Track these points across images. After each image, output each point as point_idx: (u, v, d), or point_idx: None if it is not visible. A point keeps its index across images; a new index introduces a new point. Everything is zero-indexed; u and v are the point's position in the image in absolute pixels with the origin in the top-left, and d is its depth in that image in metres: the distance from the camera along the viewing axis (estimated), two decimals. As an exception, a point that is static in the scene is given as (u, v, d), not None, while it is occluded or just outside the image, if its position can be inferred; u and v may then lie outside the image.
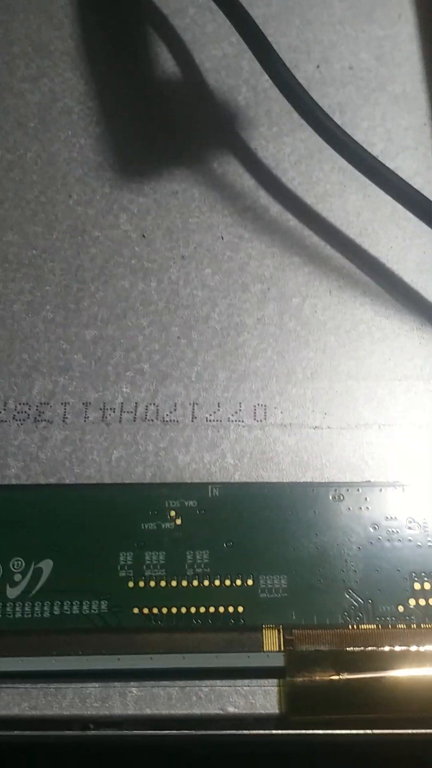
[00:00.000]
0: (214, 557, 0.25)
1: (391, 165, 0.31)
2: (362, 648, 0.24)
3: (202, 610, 0.25)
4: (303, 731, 0.24)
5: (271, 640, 0.25)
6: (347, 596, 0.25)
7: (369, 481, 0.27)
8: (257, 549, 0.26)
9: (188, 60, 0.34)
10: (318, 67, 0.34)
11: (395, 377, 0.29)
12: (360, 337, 0.29)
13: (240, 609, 0.25)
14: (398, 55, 0.35)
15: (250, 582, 0.25)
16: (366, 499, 0.26)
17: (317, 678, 0.24)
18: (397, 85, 0.34)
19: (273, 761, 0.25)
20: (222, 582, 0.25)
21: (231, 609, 0.25)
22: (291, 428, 0.28)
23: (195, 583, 0.25)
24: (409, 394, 0.28)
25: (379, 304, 0.30)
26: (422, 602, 0.25)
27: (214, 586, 0.25)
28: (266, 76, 0.31)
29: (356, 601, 0.25)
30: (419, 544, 0.25)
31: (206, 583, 0.25)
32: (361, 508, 0.26)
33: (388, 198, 0.30)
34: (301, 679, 0.24)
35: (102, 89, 0.33)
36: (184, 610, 0.25)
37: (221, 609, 0.25)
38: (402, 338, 0.29)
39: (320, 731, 0.24)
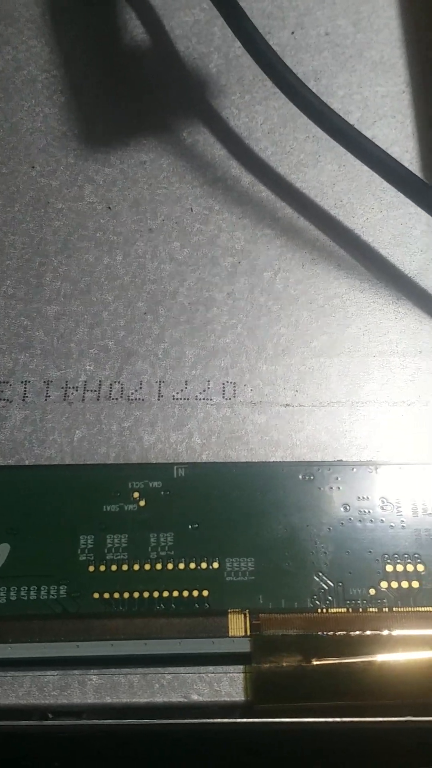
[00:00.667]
0: (178, 540, 0.24)
1: (368, 134, 0.30)
2: (332, 633, 0.23)
3: (166, 594, 0.24)
4: (269, 719, 0.23)
5: (237, 624, 0.24)
6: (316, 579, 0.24)
7: (341, 461, 0.26)
8: (224, 531, 0.24)
9: (158, 27, 0.33)
10: (293, 33, 0.33)
11: (370, 353, 0.28)
12: (334, 311, 0.28)
13: (205, 593, 0.24)
14: (376, 20, 0.34)
15: (215, 565, 0.24)
16: (337, 478, 0.25)
17: (284, 664, 0.23)
18: (374, 51, 0.33)
19: (239, 750, 0.24)
20: (186, 565, 0.24)
21: (195, 593, 0.24)
22: (261, 406, 0.27)
23: (158, 566, 0.24)
24: (383, 370, 0.27)
25: (353, 278, 0.29)
26: (394, 585, 0.24)
27: (179, 569, 0.24)
28: (238, 43, 0.29)
29: (326, 584, 0.24)
30: (392, 524, 0.24)
31: (170, 566, 0.24)
32: (332, 488, 0.25)
33: (365, 168, 0.29)
34: (267, 665, 0.23)
35: (68, 57, 0.32)
36: (146, 594, 0.24)
37: (185, 593, 0.24)
38: (377, 313, 0.28)
39: (287, 719, 0.23)
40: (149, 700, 0.23)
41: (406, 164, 0.29)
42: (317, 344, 0.28)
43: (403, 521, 0.25)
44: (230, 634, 0.24)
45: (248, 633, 0.24)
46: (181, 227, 0.30)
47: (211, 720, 0.23)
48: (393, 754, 0.23)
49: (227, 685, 0.23)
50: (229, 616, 0.24)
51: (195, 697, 0.23)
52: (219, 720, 0.23)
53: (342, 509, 0.25)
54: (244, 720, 0.23)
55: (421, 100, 0.32)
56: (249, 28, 0.29)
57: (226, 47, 0.33)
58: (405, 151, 0.31)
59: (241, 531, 0.25)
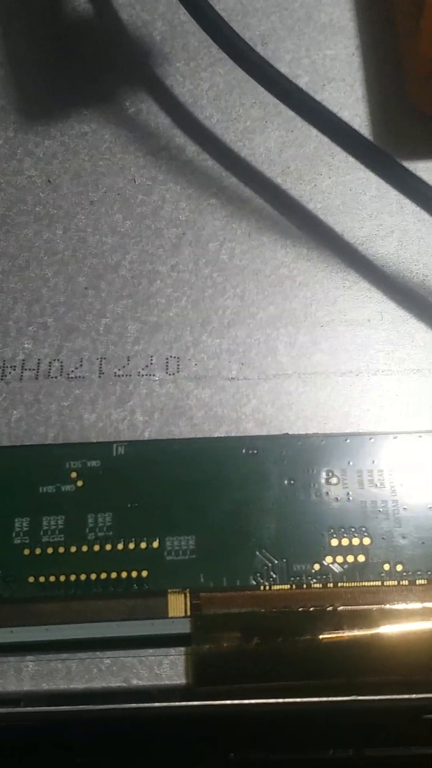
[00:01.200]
0: (117, 520, 0.24)
1: (317, 98, 0.29)
2: (274, 610, 0.22)
3: (104, 576, 0.23)
4: (211, 702, 0.22)
5: (177, 605, 0.23)
6: (259, 555, 0.23)
7: (286, 434, 0.25)
8: (164, 509, 0.24)
9: (100, -6, 0.32)
10: (239, -3, 0.32)
11: (318, 323, 0.27)
12: (281, 281, 0.27)
13: (144, 573, 0.23)
14: (325, -19, 0.32)
15: (155, 544, 0.23)
16: (282, 452, 0.24)
17: (225, 645, 0.22)
18: (323, 14, 0.32)
19: (181, 733, 0.23)
20: (125, 545, 0.23)
21: (134, 574, 0.23)
22: (205, 381, 0.26)
23: (96, 548, 0.23)
24: (332, 340, 0.26)
25: (301, 246, 0.28)
26: (339, 559, 0.23)
27: (117, 550, 0.23)
28: (183, 10, 0.28)
29: (269, 560, 0.23)
30: (337, 498, 0.24)
31: (108, 547, 0.23)
32: (276, 462, 0.24)
33: (313, 133, 0.28)
34: (207, 646, 0.22)
35: (4, 27, 0.31)
36: (83, 577, 0.23)
37: (124, 574, 0.23)
38: (325, 282, 0.28)
39: (230, 701, 0.22)
40: (87, 686, 0.23)
41: (356, 128, 0.28)
42: (264, 315, 0.27)
43: (349, 494, 0.24)
44: (170, 615, 0.23)
45: (188, 613, 0.23)
46: (124, 199, 0.29)
47: (150, 705, 0.22)
48: (337, 733, 0.23)
49: (168, 667, 0.23)
50: (169, 596, 0.23)
51: (135, 682, 0.23)
52: (159, 704, 0.22)
53: (286, 483, 0.24)
54: (186, 704, 0.22)
55: (372, 63, 0.31)
56: None
57: (170, 14, 0.32)
58: (355, 115, 0.30)
59: (182, 509, 0.24)
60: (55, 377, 0.26)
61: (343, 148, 0.27)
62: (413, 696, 0.22)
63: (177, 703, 0.22)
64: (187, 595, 0.23)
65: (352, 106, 0.30)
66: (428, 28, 0.26)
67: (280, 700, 0.22)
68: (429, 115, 0.29)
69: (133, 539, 0.24)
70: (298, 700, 0.22)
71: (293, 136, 0.30)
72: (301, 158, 0.30)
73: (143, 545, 0.23)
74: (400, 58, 0.30)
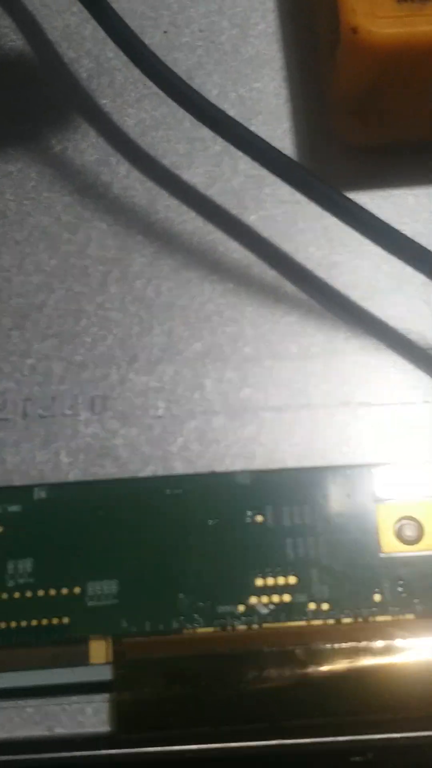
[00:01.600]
0: (38, 565, 0.23)
1: None
2: (198, 654, 0.22)
3: (24, 624, 0.23)
4: (135, 750, 0.21)
5: (98, 651, 0.22)
6: (183, 598, 0.22)
7: (213, 472, 0.24)
8: (86, 553, 0.23)
9: (27, 32, 0.32)
10: (165, 32, 0.32)
11: (245, 358, 0.26)
12: (208, 317, 0.27)
13: (66, 620, 0.23)
14: (252, 14, 0.32)
15: (77, 590, 0.23)
16: (206, 490, 0.24)
17: (148, 690, 0.21)
18: (250, 47, 0.32)
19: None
20: (46, 592, 0.23)
21: (56, 621, 0.23)
22: (132, 419, 0.26)
23: (16, 595, 0.23)
24: (259, 375, 0.26)
25: (228, 281, 0.28)
26: (265, 599, 0.22)
27: (38, 596, 0.23)
28: (110, 46, 0.28)
29: (193, 603, 0.22)
30: (263, 536, 0.23)
31: (29, 594, 0.23)
32: (201, 501, 0.24)
33: (240, 167, 0.28)
34: (129, 692, 0.21)
35: None
36: (4, 625, 0.22)
37: (45, 621, 0.23)
38: (252, 316, 0.27)
39: (154, 749, 0.21)
40: (9, 735, 0.22)
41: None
42: (191, 352, 0.27)
43: (274, 532, 0.23)
44: (91, 662, 0.22)
45: (109, 659, 0.22)
46: (50, 237, 0.28)
47: (74, 753, 0.21)
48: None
49: (92, 715, 0.22)
50: (90, 643, 0.22)
51: (59, 730, 0.22)
52: (82, 753, 0.22)
53: (211, 522, 0.23)
54: (107, 752, 0.21)
55: (299, 96, 0.31)
56: (121, 28, 0.27)
57: (97, 51, 0.32)
58: (282, 149, 0.30)
59: (104, 552, 0.23)
60: (-21, 421, 0.26)
61: (280, 177, 0.26)
62: (340, 738, 0.21)
63: (100, 752, 0.22)
64: (109, 641, 0.22)
65: (280, 139, 0.30)
66: (343, 61, 0.26)
67: (205, 746, 0.21)
68: (353, 146, 0.29)
69: (54, 585, 0.23)
70: (222, 745, 0.21)
71: (220, 172, 0.30)
72: (227, 193, 0.29)
73: (65, 591, 0.23)
74: (324, 90, 0.30)
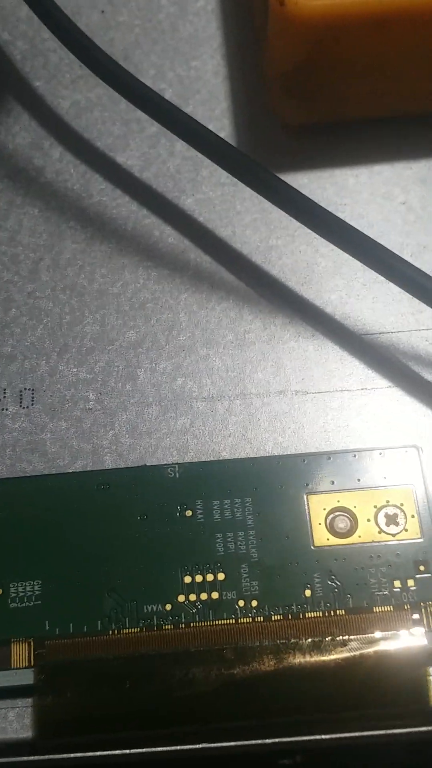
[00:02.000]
0: (-41, 566, 0.22)
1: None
2: (123, 656, 0.21)
3: None
4: (57, 756, 0.20)
5: (21, 654, 0.21)
6: (109, 597, 0.21)
7: (145, 465, 0.23)
8: (8, 553, 0.22)
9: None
10: (103, 12, 0.30)
11: (180, 347, 0.25)
12: (142, 305, 0.26)
13: (-13, 622, 0.21)
14: (191, -8, 0.31)
15: (-1, 591, 0.21)
16: (134, 485, 0.23)
17: (70, 695, 0.20)
18: (189, 25, 0.31)
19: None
20: (-33, 594, 0.21)
21: (-24, 623, 0.21)
22: (61, 413, 0.25)
23: None
24: (194, 364, 0.25)
25: (163, 267, 0.27)
26: (192, 597, 0.21)
27: (-42, 598, 0.21)
28: (45, 28, 0.27)
29: (118, 602, 0.21)
30: (191, 532, 0.22)
31: None
32: (129, 496, 0.23)
33: (177, 149, 0.27)
34: (51, 697, 0.20)
35: None
36: None
37: (-35, 625, 0.21)
38: (188, 304, 0.26)
39: (76, 755, 0.20)
40: None
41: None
42: (124, 341, 0.26)
43: (203, 528, 0.22)
44: (12, 666, 0.21)
45: (32, 663, 0.21)
46: (-21, 225, 0.27)
47: (-6, 761, 0.21)
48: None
49: (14, 720, 0.21)
50: (12, 645, 0.21)
51: (-21, 737, 0.21)
52: (3, 760, 0.21)
53: (139, 518, 0.22)
54: (27, 758, 0.21)
55: (237, 75, 0.30)
56: (52, 9, 0.26)
57: (32, 33, 0.31)
58: (220, 129, 0.29)
59: (28, 552, 0.22)
60: None
61: (214, 161, 0.26)
62: (268, 741, 0.21)
63: (21, 758, 0.21)
64: (31, 643, 0.22)
65: (218, 119, 0.29)
66: (273, 35, 0.24)
67: (129, 751, 0.20)
68: (292, 125, 0.28)
69: (-25, 586, 0.22)
70: (148, 750, 0.20)
71: (156, 153, 0.29)
72: (164, 176, 0.28)
73: (-14, 592, 0.22)
74: (261, 69, 0.28)
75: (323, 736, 0.20)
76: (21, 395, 0.25)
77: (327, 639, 0.21)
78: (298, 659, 0.21)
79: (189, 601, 0.22)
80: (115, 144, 0.29)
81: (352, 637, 0.21)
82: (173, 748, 0.21)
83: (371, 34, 0.24)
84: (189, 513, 0.23)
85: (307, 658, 0.21)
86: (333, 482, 0.23)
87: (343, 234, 0.24)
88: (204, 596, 0.22)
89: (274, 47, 0.25)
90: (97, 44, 0.26)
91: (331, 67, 0.25)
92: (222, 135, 0.28)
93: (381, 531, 0.22)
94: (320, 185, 0.28)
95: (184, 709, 0.21)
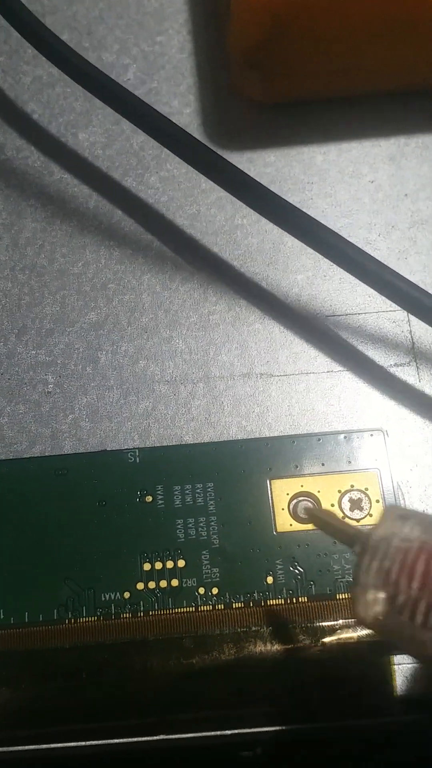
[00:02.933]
0: None
1: (146, 88, 0.29)
2: (80, 645, 0.20)
3: None
4: (9, 749, 0.19)
5: (-27, 645, 0.20)
6: (65, 586, 0.21)
7: (104, 450, 0.23)
8: None
9: None
10: (65, -16, 0.29)
11: (143, 328, 0.25)
12: (104, 285, 0.25)
13: None
14: (157, -35, 0.30)
15: None
16: (92, 471, 0.22)
17: (24, 686, 0.20)
18: (154, 1, 0.30)
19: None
20: None
21: None
22: (19, 396, 0.24)
23: None
24: (157, 347, 0.25)
25: (126, 246, 0.26)
26: (152, 585, 0.21)
27: None
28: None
29: (75, 590, 0.21)
30: (151, 518, 0.21)
31: None
32: (88, 482, 0.22)
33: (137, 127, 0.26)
34: (4, 688, 0.20)
35: None
36: None
37: None
38: (151, 284, 0.26)
39: (29, 747, 0.19)
40: None
41: (186, 118, 0.29)
42: (85, 323, 0.25)
43: (163, 514, 0.21)
44: (-35, 656, 0.20)
45: (-15, 653, 0.20)
46: None
47: None
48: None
49: (-33, 713, 0.20)
50: (-35, 635, 0.20)
51: None
52: None
53: (98, 504, 0.22)
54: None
55: (202, 50, 0.29)
56: None
57: (-8, 4, 0.29)
58: (185, 105, 0.28)
59: (-18, 538, 0.21)
60: None
61: (166, 146, 0.25)
62: (228, 732, 0.20)
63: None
64: (-15, 633, 0.21)
65: (183, 95, 0.28)
66: (236, 10, 0.24)
67: (85, 743, 0.20)
68: (258, 102, 0.27)
69: None
70: (104, 742, 0.20)
71: (119, 129, 0.28)
72: (127, 153, 0.27)
73: None
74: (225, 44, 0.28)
75: (284, 727, 0.20)
76: (-22, 378, 0.24)
77: (289, 627, 0.20)
78: (259, 648, 0.20)
79: (148, 588, 0.21)
80: (77, 120, 0.28)
81: (314, 624, 0.20)
82: (131, 740, 0.20)
83: (330, 9, 0.23)
84: (149, 499, 0.22)
85: (269, 647, 0.20)
86: (296, 466, 0.22)
87: (283, 213, 0.23)
88: (164, 584, 0.21)
89: (236, 23, 0.24)
90: (45, 25, 0.25)
91: (292, 42, 0.24)
92: (187, 111, 0.28)
93: (345, 516, 0.22)
94: (287, 163, 0.27)
95: (142, 699, 0.20)
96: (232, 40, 0.25)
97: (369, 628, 0.15)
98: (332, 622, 0.21)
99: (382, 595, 0.15)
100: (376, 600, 0.15)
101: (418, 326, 0.24)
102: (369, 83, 0.26)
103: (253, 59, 0.25)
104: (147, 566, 0.21)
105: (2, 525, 0.22)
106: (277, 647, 0.20)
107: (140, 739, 0.20)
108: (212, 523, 0.22)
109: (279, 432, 0.23)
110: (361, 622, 0.15)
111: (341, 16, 0.23)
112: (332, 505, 0.22)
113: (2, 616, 0.21)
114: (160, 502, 0.22)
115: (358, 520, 0.22)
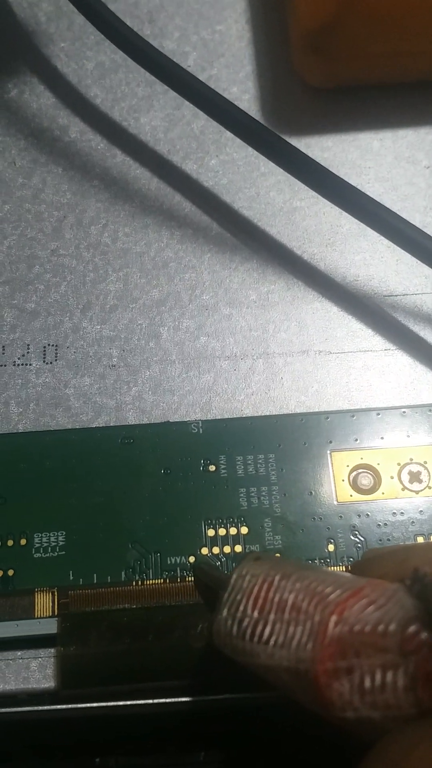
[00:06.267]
0: (-17, 516, 0.22)
1: (205, 74, 0.29)
2: (147, 606, 0.21)
3: (-33, 576, 0.21)
4: (79, 705, 0.20)
5: (44, 604, 0.22)
6: (132, 549, 0.21)
7: (167, 421, 0.23)
8: (33, 504, 0.22)
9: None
10: (127, -27, 0.30)
11: (203, 306, 0.25)
12: (165, 264, 0.26)
13: (11, 572, 0.22)
14: None
15: (23, 541, 0.22)
16: (159, 441, 0.23)
17: (94, 644, 0.20)
18: (214, -12, 0.30)
19: (51, 737, 0.21)
20: (-9, 543, 0.22)
21: (0, 573, 0.21)
22: (84, 369, 0.25)
23: (-40, 546, 0.21)
24: (217, 323, 0.25)
25: (186, 227, 0.27)
26: (216, 550, 0.21)
27: (-18, 548, 0.21)
28: None
29: (142, 554, 0.21)
30: (215, 486, 0.22)
31: (-27, 546, 0.21)
32: (153, 451, 0.23)
33: (200, 112, 0.26)
34: (74, 647, 0.20)
35: None
36: None
37: (-12, 573, 0.21)
38: (211, 263, 0.27)
39: (98, 704, 0.20)
40: None
41: (245, 104, 0.29)
42: (147, 299, 0.26)
43: (227, 482, 0.22)
44: (36, 615, 0.21)
45: (55, 612, 0.21)
46: (3, 182, 0.27)
47: (16, 709, 0.21)
48: (207, 733, 0.21)
49: (36, 670, 0.21)
50: (36, 595, 0.21)
51: (2, 686, 0.21)
52: (26, 708, 0.21)
53: (162, 472, 0.22)
54: (51, 707, 0.21)
55: (261, 37, 0.30)
56: None
57: (56, -7, 0.30)
58: (244, 92, 0.29)
59: (52, 503, 0.22)
60: None
61: (230, 129, 0.26)
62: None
63: (43, 707, 0.21)
64: (55, 593, 0.22)
65: (242, 82, 0.29)
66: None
67: (151, 701, 0.21)
68: (315, 86, 0.28)
69: (0, 537, 0.22)
70: (168, 700, 0.21)
71: (180, 114, 0.28)
72: (188, 137, 0.28)
73: (10, 543, 0.22)
74: (287, 31, 0.28)
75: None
76: (45, 351, 0.25)
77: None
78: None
79: (212, 553, 0.22)
80: (139, 105, 0.29)
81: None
82: (194, 698, 0.21)
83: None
84: (212, 468, 0.23)
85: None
86: (356, 440, 0.23)
87: (348, 196, 0.24)
88: (227, 549, 0.22)
89: (301, 6, 0.25)
90: (112, 11, 0.26)
91: (357, 25, 0.25)
92: (246, 98, 0.28)
93: (404, 488, 0.22)
94: (344, 148, 0.28)
95: (206, 660, 0.21)
96: (295, 24, 0.26)
97: (225, 651, 0.18)
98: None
99: (230, 622, 0.17)
100: (227, 627, 0.17)
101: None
102: (427, 68, 0.27)
103: (317, 43, 0.26)
104: (211, 532, 0.22)
105: (71, 491, 0.23)
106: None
107: (201, 698, 0.21)
108: (274, 493, 0.22)
109: (337, 407, 0.24)
110: (218, 647, 0.18)
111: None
112: (391, 478, 0.22)
113: (72, 578, 0.22)
114: (223, 471, 0.23)
115: (417, 492, 0.22)
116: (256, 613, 0.17)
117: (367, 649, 0.15)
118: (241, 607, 0.18)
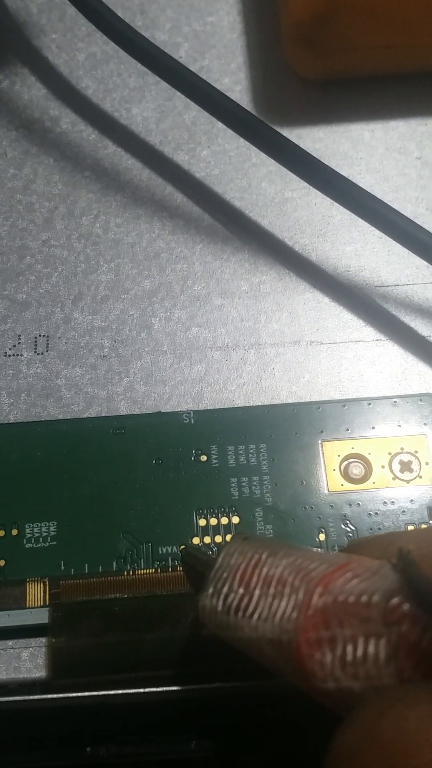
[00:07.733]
0: (-27, 507, 0.22)
1: (197, 65, 0.29)
2: (138, 596, 0.21)
3: (-42, 566, 0.21)
4: (69, 695, 0.20)
5: (35, 594, 0.22)
6: (123, 539, 0.21)
7: (159, 412, 0.23)
8: (24, 494, 0.22)
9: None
10: (118, -36, 0.30)
11: (195, 296, 0.25)
12: (157, 255, 0.26)
13: (2, 562, 0.22)
14: None
15: (15, 532, 0.22)
16: (149, 431, 0.23)
17: (85, 634, 0.20)
18: (205, -21, 0.30)
19: (40, 727, 0.21)
20: (-18, 534, 0.21)
21: (-8, 563, 0.21)
22: (76, 359, 0.25)
23: None
24: (209, 314, 0.25)
25: (178, 218, 0.26)
26: (207, 540, 0.21)
27: (-27, 538, 0.21)
28: None
29: (133, 543, 0.21)
30: (206, 476, 0.22)
31: (-36, 535, 0.21)
32: (144, 441, 0.23)
33: (192, 103, 0.26)
34: (65, 636, 0.20)
35: None
36: None
37: (-21, 564, 0.21)
38: (202, 254, 0.27)
39: (88, 693, 0.20)
40: None
41: (236, 96, 0.28)
42: (139, 290, 0.26)
43: (218, 472, 0.22)
44: (27, 605, 0.21)
45: (47, 602, 0.21)
46: (-6, 174, 0.27)
47: (7, 699, 0.21)
48: (198, 722, 0.21)
49: (27, 660, 0.21)
50: (27, 585, 0.21)
51: (-7, 675, 0.21)
52: (16, 698, 0.21)
53: (154, 462, 0.22)
54: (41, 697, 0.21)
55: (253, 29, 0.30)
56: None
57: (48, -17, 0.30)
58: (236, 83, 0.29)
59: (43, 493, 0.22)
60: None
61: (221, 120, 0.26)
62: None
63: (33, 697, 0.21)
64: (47, 583, 0.22)
65: (234, 73, 0.29)
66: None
67: (142, 690, 0.21)
68: (306, 78, 0.28)
69: (-10, 528, 0.22)
70: (159, 689, 0.21)
71: (172, 105, 0.28)
72: (179, 128, 0.28)
73: (1, 533, 0.22)
74: (278, 23, 0.28)
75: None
76: (36, 341, 0.25)
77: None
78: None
79: (204, 543, 0.22)
80: (130, 96, 0.29)
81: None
82: (184, 687, 0.21)
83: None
84: (204, 458, 0.23)
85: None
86: (347, 429, 0.23)
87: (340, 187, 0.24)
88: (219, 539, 0.22)
89: (296, 3, 0.25)
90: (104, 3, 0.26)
91: (348, 17, 0.25)
92: (237, 89, 0.28)
93: (395, 477, 0.22)
94: (335, 139, 0.28)
95: (198, 649, 0.21)
96: (287, 16, 0.26)
97: (209, 627, 0.18)
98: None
99: (215, 598, 0.18)
100: (212, 603, 0.18)
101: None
102: (417, 60, 0.27)
103: (308, 35, 0.26)
104: (202, 522, 0.22)
105: (62, 481, 0.23)
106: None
107: (192, 687, 0.21)
108: (265, 482, 0.22)
109: (328, 398, 0.24)
110: (204, 623, 0.18)
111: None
112: (382, 467, 0.22)
113: (63, 568, 0.22)
114: (215, 461, 0.23)
115: (408, 481, 0.22)
116: (241, 589, 0.17)
117: (350, 619, 0.15)
118: (228, 583, 0.18)
